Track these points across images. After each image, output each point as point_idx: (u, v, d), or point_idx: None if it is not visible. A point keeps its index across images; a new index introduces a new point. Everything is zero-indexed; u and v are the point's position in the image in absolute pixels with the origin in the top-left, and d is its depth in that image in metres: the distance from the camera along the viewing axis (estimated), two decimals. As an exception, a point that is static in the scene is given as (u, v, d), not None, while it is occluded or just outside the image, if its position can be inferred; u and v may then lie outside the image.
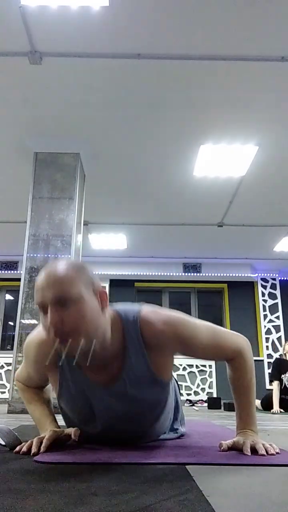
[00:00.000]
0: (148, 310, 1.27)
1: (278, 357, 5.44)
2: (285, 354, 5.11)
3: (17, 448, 1.21)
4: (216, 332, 1.32)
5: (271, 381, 4.91)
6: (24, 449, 1.19)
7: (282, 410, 4.66)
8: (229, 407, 4.70)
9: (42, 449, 1.17)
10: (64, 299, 1.08)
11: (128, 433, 1.33)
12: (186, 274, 7.62)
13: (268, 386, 7.04)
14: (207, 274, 7.63)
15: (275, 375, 4.93)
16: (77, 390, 1.26)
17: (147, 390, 1.26)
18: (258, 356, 7.49)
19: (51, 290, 1.09)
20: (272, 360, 7.44)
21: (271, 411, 4.68)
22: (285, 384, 4.86)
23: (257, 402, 4.98)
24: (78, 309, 1.09)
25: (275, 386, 4.84)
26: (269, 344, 7.59)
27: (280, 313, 7.75)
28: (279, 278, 7.94)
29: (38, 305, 1.13)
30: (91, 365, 1.17)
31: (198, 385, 7.26)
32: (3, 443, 1.26)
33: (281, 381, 4.87)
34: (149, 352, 1.23)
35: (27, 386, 1.45)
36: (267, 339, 7.61)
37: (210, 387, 7.24)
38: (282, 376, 4.90)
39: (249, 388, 1.33)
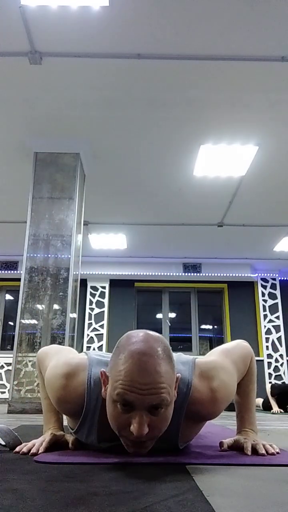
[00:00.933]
0: (199, 379, 1.15)
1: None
2: None
3: (17, 448, 1.21)
4: (235, 360, 1.27)
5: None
6: (25, 449, 1.19)
7: (282, 410, 4.66)
8: (229, 407, 4.69)
9: (41, 449, 1.17)
10: (158, 407, 0.97)
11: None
12: (186, 274, 7.61)
13: (267, 386, 7.04)
14: (207, 274, 7.63)
15: (275, 392, 4.91)
16: (93, 434, 1.18)
17: (162, 444, 1.15)
18: (258, 356, 7.48)
19: (148, 394, 0.95)
20: (271, 361, 7.45)
21: (271, 411, 4.69)
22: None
23: (259, 401, 4.99)
24: (166, 414, 0.99)
25: (268, 390, 4.88)
26: (269, 344, 7.59)
27: (280, 313, 7.74)
28: (279, 278, 7.94)
29: (120, 400, 0.96)
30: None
31: (198, 385, 7.26)
32: (3, 443, 1.26)
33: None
34: (185, 421, 1.15)
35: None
36: (267, 339, 7.61)
37: (210, 387, 7.23)
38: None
39: (252, 390, 1.34)
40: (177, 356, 1.21)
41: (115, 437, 1.05)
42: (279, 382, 6.88)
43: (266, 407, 4.89)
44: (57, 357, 1.27)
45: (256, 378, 1.37)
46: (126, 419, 0.97)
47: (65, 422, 1.39)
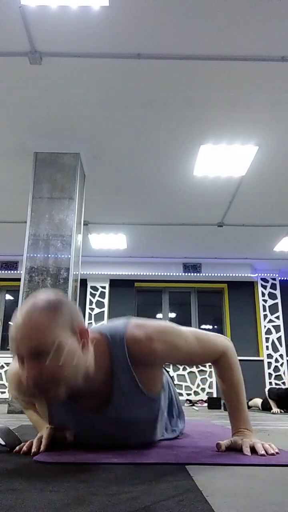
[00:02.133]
0: (133, 325, 1.23)
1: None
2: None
3: (17, 448, 1.21)
4: (200, 337, 1.30)
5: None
6: (25, 449, 1.19)
7: (282, 411, 4.66)
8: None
9: (42, 447, 1.17)
10: (39, 351, 1.02)
11: (127, 443, 1.30)
12: (186, 274, 7.62)
13: (268, 387, 7.04)
14: (207, 274, 7.63)
15: (273, 397, 4.89)
16: (69, 418, 1.25)
17: (139, 409, 1.24)
18: (258, 356, 7.49)
19: (25, 342, 1.03)
20: (271, 361, 7.45)
21: (271, 411, 4.69)
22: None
23: (259, 401, 4.98)
24: (55, 359, 1.03)
25: (267, 393, 4.88)
26: (269, 344, 7.59)
27: (280, 313, 7.75)
28: (279, 278, 7.94)
29: (13, 355, 1.08)
30: (80, 396, 1.17)
31: (198, 385, 7.26)
32: (3, 443, 1.26)
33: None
34: (137, 371, 1.20)
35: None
36: (267, 339, 7.61)
37: (210, 387, 7.24)
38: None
39: (238, 387, 1.31)
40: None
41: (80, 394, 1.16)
42: (278, 386, 6.88)
43: (265, 407, 4.89)
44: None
45: (241, 373, 1.34)
46: (22, 370, 1.05)
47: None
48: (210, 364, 1.36)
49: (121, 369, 1.19)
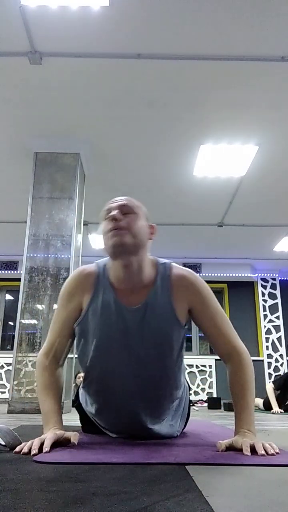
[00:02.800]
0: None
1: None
2: None
3: (17, 448, 1.21)
4: (227, 318, 1.46)
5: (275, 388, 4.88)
6: (25, 449, 1.18)
7: (282, 411, 4.66)
8: (229, 407, 4.70)
9: (44, 448, 1.17)
10: (126, 207, 1.37)
11: (137, 389, 1.40)
12: (186, 274, 7.60)
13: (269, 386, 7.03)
14: (207, 274, 7.63)
15: (279, 384, 4.88)
16: (104, 307, 1.39)
17: (166, 324, 1.39)
18: (258, 356, 7.49)
19: (118, 201, 1.39)
20: (271, 361, 7.45)
21: (271, 411, 4.69)
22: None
23: (260, 401, 4.98)
24: (134, 218, 1.36)
25: (269, 389, 4.86)
26: (269, 344, 7.59)
27: (280, 313, 7.75)
28: (279, 278, 7.94)
29: (104, 216, 1.37)
30: (123, 288, 1.40)
31: (198, 385, 7.26)
32: (3, 443, 1.26)
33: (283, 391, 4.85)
34: (172, 291, 1.41)
35: (45, 367, 1.44)
36: (267, 339, 7.62)
37: (210, 387, 7.24)
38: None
39: (248, 389, 1.35)
40: None
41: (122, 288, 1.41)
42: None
43: (267, 406, 4.88)
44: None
45: (254, 378, 1.39)
46: (108, 223, 1.35)
47: (65, 423, 1.39)
48: (210, 364, 1.40)
49: (161, 282, 1.42)
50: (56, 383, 1.43)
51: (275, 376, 7.36)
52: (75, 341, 1.51)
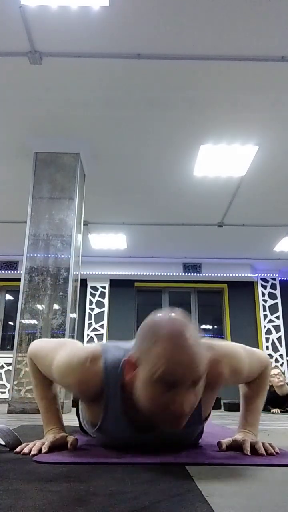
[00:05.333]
0: (206, 350, 1.15)
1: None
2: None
3: (18, 449, 1.21)
4: (250, 357, 1.29)
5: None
6: (26, 450, 1.18)
7: (280, 410, 4.66)
8: (229, 407, 4.70)
9: (43, 449, 1.17)
10: (197, 380, 1.01)
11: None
12: (186, 274, 7.62)
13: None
14: (207, 274, 7.63)
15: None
16: (118, 431, 1.19)
17: (190, 428, 1.20)
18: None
19: (190, 370, 0.99)
20: (271, 361, 7.44)
21: (271, 411, 4.69)
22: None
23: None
24: (199, 389, 1.03)
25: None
26: (269, 344, 7.59)
27: (280, 313, 7.75)
28: (279, 278, 7.94)
29: (163, 381, 0.99)
30: (141, 416, 1.10)
31: (198, 385, 7.26)
32: (3, 443, 1.26)
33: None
34: (204, 393, 1.12)
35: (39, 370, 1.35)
36: (267, 339, 7.62)
37: (210, 387, 7.23)
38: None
39: (262, 395, 1.36)
40: None
41: (145, 426, 1.13)
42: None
43: (265, 408, 4.89)
44: (69, 347, 1.26)
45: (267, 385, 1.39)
46: (167, 399, 1.00)
47: (65, 423, 1.39)
48: None
49: None
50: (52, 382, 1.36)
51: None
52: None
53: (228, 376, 1.19)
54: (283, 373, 5.26)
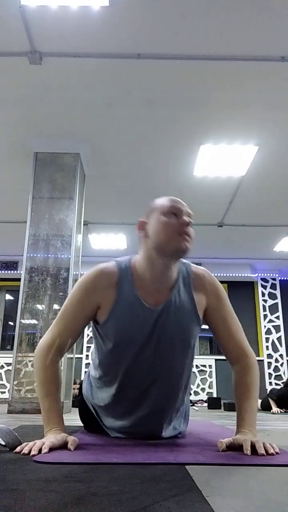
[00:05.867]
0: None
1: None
2: None
3: (18, 449, 1.21)
4: (238, 322, 1.51)
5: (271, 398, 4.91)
6: (26, 450, 1.18)
7: (281, 410, 4.66)
8: (229, 407, 4.70)
9: (43, 450, 1.17)
10: (190, 217, 1.42)
11: (151, 393, 1.43)
12: (186, 274, 7.60)
13: (267, 387, 7.04)
14: (207, 274, 7.62)
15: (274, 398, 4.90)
16: (128, 309, 1.39)
17: (186, 321, 1.43)
18: (258, 356, 7.48)
19: (185, 205, 1.43)
20: (271, 361, 7.45)
21: (271, 411, 4.69)
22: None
23: (258, 402, 4.99)
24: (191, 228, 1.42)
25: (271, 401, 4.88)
26: (269, 344, 7.59)
27: (280, 313, 7.75)
28: (279, 278, 7.94)
29: (170, 211, 1.39)
30: (146, 289, 1.41)
31: (198, 385, 7.26)
32: (3, 443, 1.26)
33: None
34: (193, 288, 1.46)
35: (46, 362, 1.39)
36: (267, 339, 7.62)
37: (210, 387, 7.24)
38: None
39: (254, 392, 1.37)
40: None
41: (151, 297, 1.42)
42: (278, 386, 6.88)
43: (265, 407, 4.89)
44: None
45: (259, 381, 1.42)
46: (175, 222, 1.37)
47: (66, 423, 1.39)
48: (210, 364, 1.42)
49: (183, 280, 1.46)
50: (56, 380, 1.40)
51: (276, 376, 7.36)
52: (93, 342, 1.53)
53: (215, 293, 1.50)
54: None
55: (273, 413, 4.52)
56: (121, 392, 1.46)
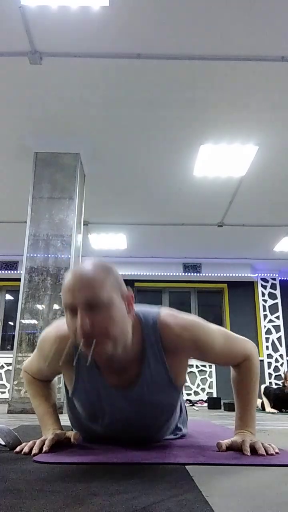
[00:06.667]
0: (166, 314, 1.26)
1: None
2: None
3: (18, 448, 1.21)
4: (228, 338, 1.33)
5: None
6: (26, 449, 1.18)
7: (275, 411, 4.66)
8: (229, 407, 4.70)
9: (45, 448, 1.16)
10: (95, 303, 1.06)
11: (133, 434, 1.33)
12: (186, 274, 7.62)
13: (265, 385, 7.03)
14: (207, 274, 7.63)
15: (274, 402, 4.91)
16: (92, 389, 1.25)
17: (163, 395, 1.26)
18: (258, 356, 7.49)
19: (82, 293, 1.07)
20: (271, 361, 7.45)
21: (266, 410, 4.70)
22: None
23: (258, 402, 5.00)
24: (108, 314, 1.08)
25: (262, 390, 4.88)
26: (269, 344, 7.59)
27: (280, 313, 7.75)
28: (279, 278, 7.94)
29: (65, 306, 1.10)
30: (109, 367, 1.21)
31: (198, 385, 7.26)
32: (3, 443, 1.26)
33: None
34: (167, 356, 1.22)
35: (35, 379, 1.42)
36: (267, 339, 7.61)
37: (210, 387, 7.24)
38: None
39: (253, 391, 1.33)
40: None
41: (111, 375, 1.22)
42: (278, 385, 6.87)
43: (263, 407, 4.89)
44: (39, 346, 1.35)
45: (259, 379, 1.36)
46: (73, 324, 1.08)
47: (63, 423, 1.39)
48: (210, 364, 1.38)
49: (152, 351, 1.22)
50: (47, 389, 1.42)
51: (276, 376, 7.36)
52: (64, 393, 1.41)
53: (192, 344, 1.22)
54: None
55: (271, 413, 4.53)
56: (104, 429, 1.33)
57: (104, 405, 1.26)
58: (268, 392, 4.94)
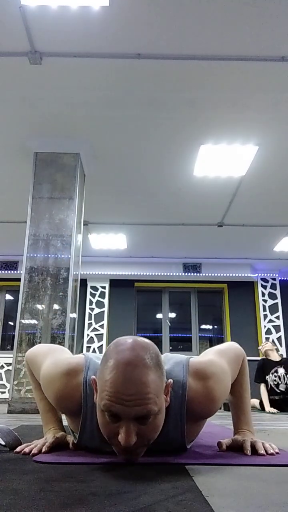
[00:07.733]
0: (194, 374, 1.15)
1: (261, 358, 5.42)
2: (264, 354, 5.20)
3: (18, 449, 1.21)
4: (230, 360, 1.28)
5: (257, 382, 4.93)
6: (26, 450, 1.19)
7: (276, 410, 4.65)
8: (229, 407, 4.69)
9: (44, 449, 1.17)
10: (146, 416, 0.96)
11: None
12: (186, 274, 7.61)
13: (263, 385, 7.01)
14: (207, 274, 7.63)
15: (260, 377, 4.95)
16: (97, 441, 1.16)
17: (173, 451, 1.20)
18: (258, 356, 7.48)
19: (133, 405, 0.94)
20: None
21: (265, 410, 4.69)
22: (270, 384, 4.89)
23: (256, 402, 4.98)
24: (154, 423, 0.99)
25: (262, 389, 4.88)
26: (269, 344, 7.58)
27: (280, 313, 7.74)
28: (279, 278, 7.94)
29: (106, 410, 0.97)
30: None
31: (198, 385, 7.25)
32: (3, 443, 1.26)
33: (266, 382, 4.91)
34: (188, 424, 1.15)
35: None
36: (267, 339, 7.60)
37: (210, 387, 7.23)
38: (267, 377, 4.93)
39: (245, 390, 1.36)
40: (172, 357, 1.23)
41: None
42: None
43: (263, 407, 4.88)
44: (54, 356, 1.27)
45: (248, 378, 1.38)
46: (114, 428, 0.97)
47: (64, 422, 1.39)
48: None
49: (174, 424, 1.13)
50: None
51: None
52: None
53: (222, 397, 1.17)
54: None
55: (268, 412, 4.52)
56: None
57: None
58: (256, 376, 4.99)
